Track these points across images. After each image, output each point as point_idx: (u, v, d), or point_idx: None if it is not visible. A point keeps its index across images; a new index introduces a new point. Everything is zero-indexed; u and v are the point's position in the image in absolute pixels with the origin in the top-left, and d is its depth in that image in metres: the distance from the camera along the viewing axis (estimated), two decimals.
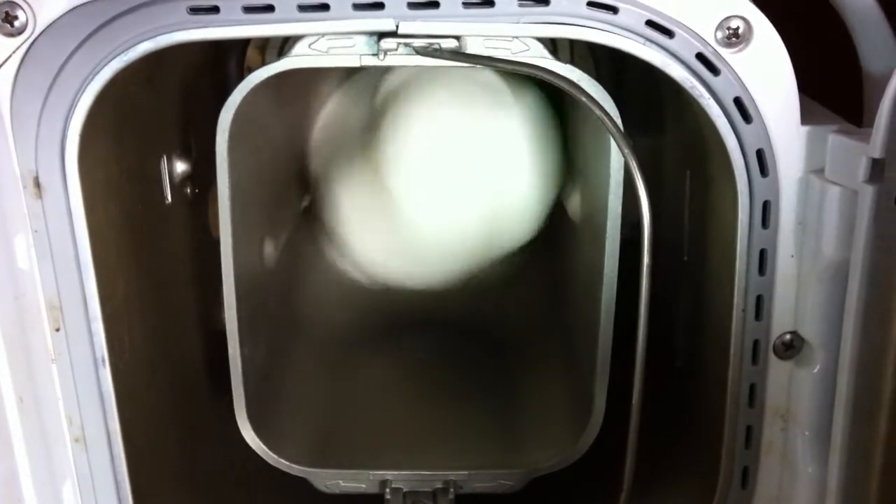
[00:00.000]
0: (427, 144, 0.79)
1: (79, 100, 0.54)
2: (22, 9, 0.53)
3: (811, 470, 0.60)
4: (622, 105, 0.59)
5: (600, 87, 0.59)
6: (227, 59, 0.79)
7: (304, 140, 0.89)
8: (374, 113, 0.83)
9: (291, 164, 0.88)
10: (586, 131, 0.71)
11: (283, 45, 0.77)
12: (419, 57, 0.57)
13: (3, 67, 0.54)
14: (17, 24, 0.53)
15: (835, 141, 0.54)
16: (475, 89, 0.79)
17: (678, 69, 0.54)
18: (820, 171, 0.55)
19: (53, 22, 0.53)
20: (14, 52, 0.54)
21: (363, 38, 0.57)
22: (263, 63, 0.77)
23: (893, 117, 0.48)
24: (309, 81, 0.87)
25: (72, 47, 0.54)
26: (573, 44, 0.77)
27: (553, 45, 0.59)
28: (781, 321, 0.59)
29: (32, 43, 0.54)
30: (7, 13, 0.53)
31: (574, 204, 0.77)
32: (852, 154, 0.52)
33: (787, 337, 0.59)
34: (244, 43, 0.79)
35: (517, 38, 0.57)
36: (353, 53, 0.58)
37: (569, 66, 0.58)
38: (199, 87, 0.76)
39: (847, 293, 0.54)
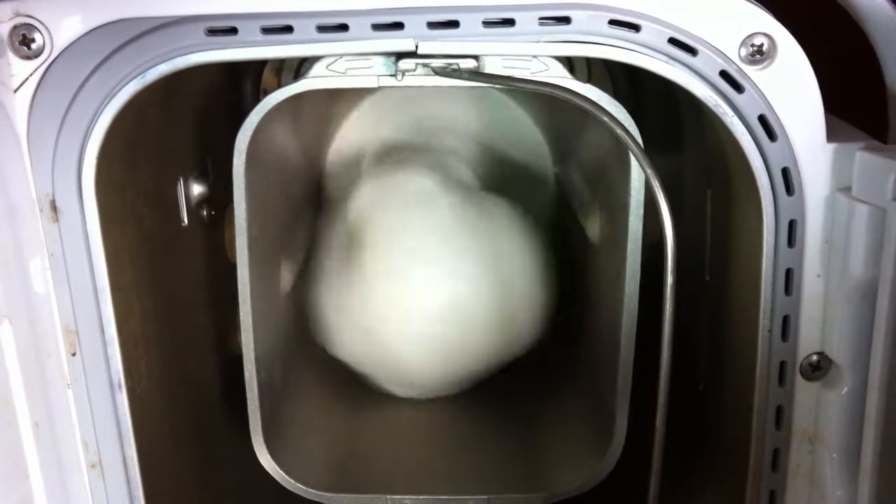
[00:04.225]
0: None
1: (96, 122, 0.54)
2: (39, 31, 0.53)
3: (840, 493, 0.59)
4: (640, 123, 0.58)
5: (621, 107, 0.58)
6: (243, 82, 0.79)
7: (320, 160, 0.89)
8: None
9: (307, 186, 0.87)
10: (605, 152, 0.71)
11: (300, 67, 0.77)
12: (437, 77, 0.57)
13: (20, 90, 0.53)
14: (34, 46, 0.53)
15: (862, 158, 0.53)
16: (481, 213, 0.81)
17: (701, 87, 0.54)
18: (847, 189, 0.54)
19: (71, 44, 0.53)
20: (31, 74, 0.53)
21: (381, 59, 0.57)
22: (279, 85, 0.78)
23: None
24: (325, 102, 0.87)
25: (89, 70, 0.54)
26: (590, 62, 0.77)
27: (570, 64, 0.58)
28: (808, 342, 0.58)
29: (50, 65, 0.53)
30: (24, 36, 0.53)
31: (593, 225, 0.76)
32: (880, 171, 0.51)
33: (815, 358, 0.58)
34: (260, 65, 0.79)
35: (536, 57, 0.56)
36: (371, 74, 0.57)
37: (588, 86, 0.58)
38: (214, 109, 0.75)
39: (876, 313, 0.53)
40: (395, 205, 0.79)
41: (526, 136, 0.92)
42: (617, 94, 0.76)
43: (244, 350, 0.66)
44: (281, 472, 0.69)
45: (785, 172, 0.55)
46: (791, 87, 0.54)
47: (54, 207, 0.55)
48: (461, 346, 0.79)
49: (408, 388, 0.84)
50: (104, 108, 0.54)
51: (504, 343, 0.81)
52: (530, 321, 0.82)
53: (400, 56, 0.56)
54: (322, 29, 0.54)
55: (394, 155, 0.87)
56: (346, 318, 0.80)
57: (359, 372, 0.84)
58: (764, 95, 0.54)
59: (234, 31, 0.54)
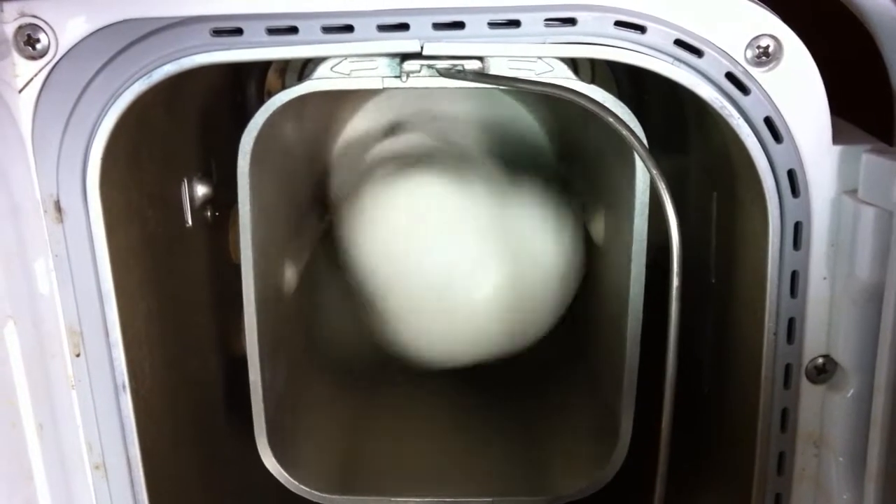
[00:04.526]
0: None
1: (100, 123, 0.54)
2: (44, 31, 0.53)
3: (846, 497, 0.59)
4: (644, 124, 0.58)
5: (626, 108, 0.58)
6: (247, 83, 0.78)
7: (324, 161, 0.89)
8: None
9: (311, 186, 0.87)
10: (609, 153, 0.71)
11: (304, 68, 0.77)
12: (442, 78, 0.56)
13: (25, 90, 0.53)
14: (39, 46, 0.53)
15: (868, 160, 0.53)
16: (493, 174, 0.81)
17: (707, 89, 0.54)
18: (853, 192, 0.54)
19: (76, 45, 0.53)
20: (36, 74, 0.53)
21: (386, 60, 0.56)
22: (283, 86, 0.78)
23: None
24: (329, 102, 0.87)
25: (94, 70, 0.53)
26: (594, 63, 0.77)
27: (574, 65, 0.58)
28: (814, 344, 0.58)
29: (55, 66, 0.53)
30: (29, 36, 0.53)
31: (598, 227, 0.76)
32: (886, 174, 0.51)
33: (820, 360, 0.58)
34: (264, 65, 0.78)
35: (541, 58, 0.56)
36: (376, 76, 0.57)
37: (593, 87, 0.57)
38: (218, 110, 0.75)
39: (882, 316, 0.53)
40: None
41: (529, 137, 0.92)
42: (621, 95, 0.75)
43: (248, 351, 0.66)
44: (285, 473, 0.69)
45: (791, 174, 0.54)
46: (797, 88, 0.53)
47: (59, 208, 0.55)
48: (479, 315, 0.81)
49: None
50: (109, 108, 0.54)
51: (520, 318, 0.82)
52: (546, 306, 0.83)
53: (405, 57, 0.56)
54: (327, 30, 0.54)
55: (400, 154, 0.87)
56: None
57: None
58: (770, 97, 0.53)
59: (239, 31, 0.53)
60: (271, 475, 0.69)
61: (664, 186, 0.53)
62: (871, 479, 0.55)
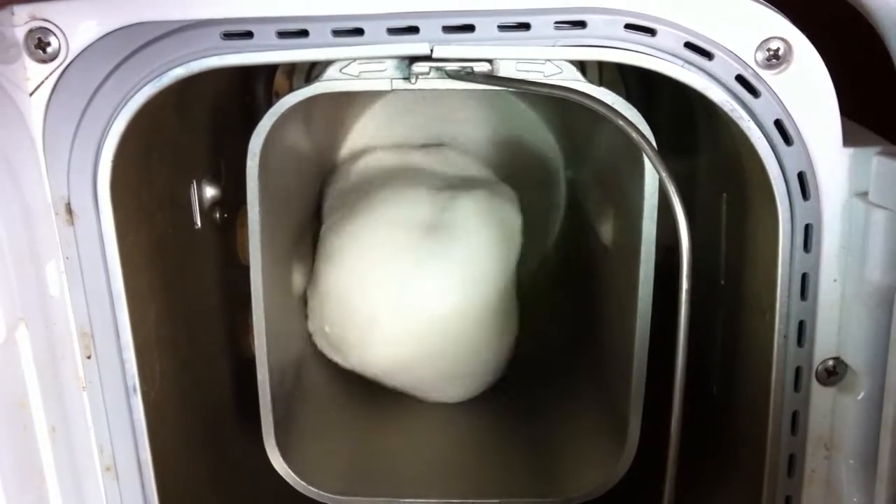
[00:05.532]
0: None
1: (111, 126, 0.54)
2: (55, 35, 0.53)
3: (856, 499, 0.59)
4: (652, 127, 0.58)
5: (635, 111, 0.58)
6: (255, 84, 0.79)
7: (331, 163, 0.89)
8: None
9: (318, 187, 0.87)
10: (618, 155, 0.70)
11: (311, 70, 0.77)
12: (451, 80, 0.56)
13: (36, 93, 0.54)
14: (49, 50, 0.53)
15: (879, 163, 0.53)
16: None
17: (718, 92, 0.53)
18: (864, 194, 0.54)
19: (86, 48, 0.53)
20: (47, 77, 0.53)
21: (394, 62, 0.56)
22: (291, 87, 0.78)
23: None
24: (337, 104, 0.87)
25: (105, 73, 0.54)
26: (602, 65, 0.77)
27: (582, 67, 0.58)
28: (824, 347, 0.57)
29: (65, 69, 0.53)
30: (40, 39, 0.53)
31: (606, 229, 0.76)
32: None
33: (830, 363, 0.58)
34: (272, 67, 0.79)
35: (550, 61, 0.56)
36: (385, 77, 0.57)
37: (602, 89, 0.58)
38: (227, 112, 0.75)
39: (893, 318, 0.53)
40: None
41: (537, 138, 0.92)
42: (629, 97, 0.75)
43: (257, 353, 0.66)
44: (293, 474, 0.69)
45: (801, 177, 0.54)
46: (807, 91, 0.53)
47: (69, 210, 0.55)
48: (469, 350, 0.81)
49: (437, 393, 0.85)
50: (120, 111, 0.54)
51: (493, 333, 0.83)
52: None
53: (413, 59, 0.56)
54: (337, 33, 0.54)
55: (399, 159, 0.87)
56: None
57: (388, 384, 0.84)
58: (780, 100, 0.53)
59: (249, 34, 0.53)
60: (280, 476, 0.69)
61: (674, 189, 0.53)
62: (881, 481, 0.55)
